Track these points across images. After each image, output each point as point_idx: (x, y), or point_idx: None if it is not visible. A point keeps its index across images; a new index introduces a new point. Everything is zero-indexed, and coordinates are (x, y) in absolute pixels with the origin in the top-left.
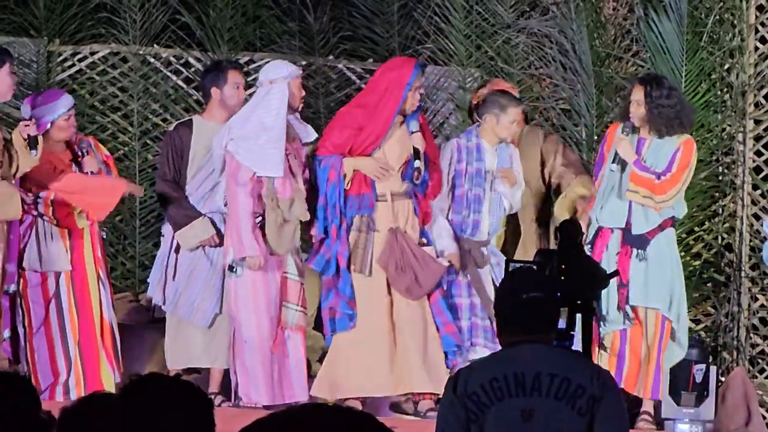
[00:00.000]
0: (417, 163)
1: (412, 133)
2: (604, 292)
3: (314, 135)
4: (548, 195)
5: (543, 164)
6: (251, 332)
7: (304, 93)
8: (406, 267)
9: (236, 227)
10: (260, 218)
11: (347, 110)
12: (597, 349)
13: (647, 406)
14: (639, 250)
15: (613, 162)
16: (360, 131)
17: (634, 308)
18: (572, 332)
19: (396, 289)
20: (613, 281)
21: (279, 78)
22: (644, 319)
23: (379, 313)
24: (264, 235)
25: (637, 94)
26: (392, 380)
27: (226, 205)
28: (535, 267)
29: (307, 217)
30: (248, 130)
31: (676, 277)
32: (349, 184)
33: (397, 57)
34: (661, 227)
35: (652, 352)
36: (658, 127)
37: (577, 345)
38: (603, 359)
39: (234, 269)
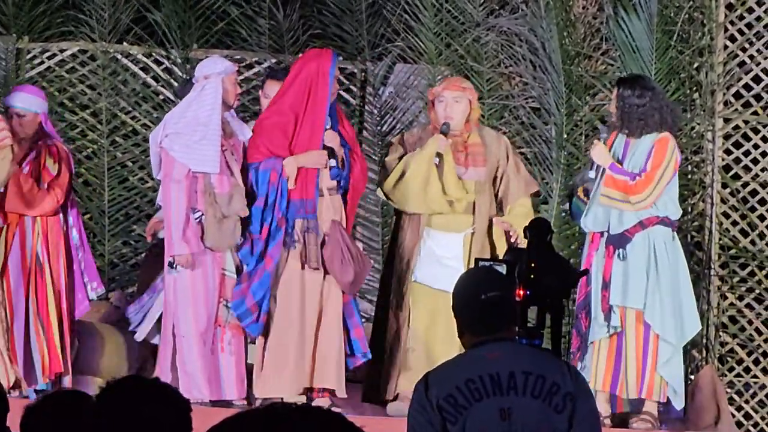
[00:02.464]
0: (332, 162)
1: (326, 129)
2: (593, 297)
3: (250, 132)
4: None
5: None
6: (189, 329)
7: (238, 89)
8: (349, 261)
9: (168, 225)
10: (200, 215)
11: (269, 114)
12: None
13: (649, 407)
14: (620, 249)
15: (591, 169)
16: (293, 129)
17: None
18: (542, 330)
19: (341, 283)
20: (597, 284)
21: (213, 74)
22: (625, 318)
23: (311, 313)
24: (203, 232)
25: (613, 94)
26: (303, 377)
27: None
28: (504, 265)
29: (246, 212)
30: (183, 125)
31: (665, 276)
32: (294, 185)
33: (312, 49)
34: (643, 225)
35: (637, 352)
36: (628, 126)
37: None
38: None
39: (173, 266)
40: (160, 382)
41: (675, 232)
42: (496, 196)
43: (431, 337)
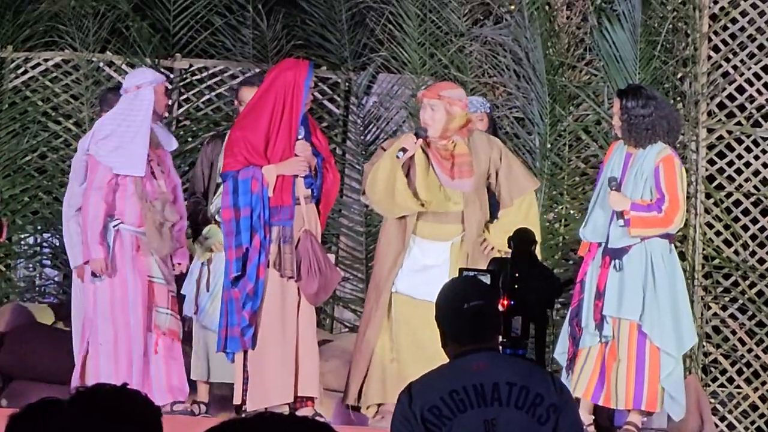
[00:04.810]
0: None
1: (298, 139)
2: (585, 305)
3: (176, 144)
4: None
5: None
6: (107, 337)
7: (168, 100)
8: (315, 272)
9: (84, 230)
10: (118, 222)
11: (245, 123)
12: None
13: (633, 417)
14: (616, 260)
15: (619, 218)
16: (269, 137)
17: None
18: (526, 340)
19: (305, 293)
20: (591, 293)
21: (145, 83)
22: (618, 329)
23: (290, 320)
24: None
25: (615, 107)
26: (292, 386)
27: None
28: (488, 275)
29: (176, 218)
30: (110, 130)
31: (663, 288)
32: (272, 193)
33: (288, 59)
34: (642, 238)
35: (629, 363)
36: (633, 137)
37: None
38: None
39: (96, 275)
40: (129, 389)
41: (672, 245)
42: (495, 196)
43: (413, 350)
